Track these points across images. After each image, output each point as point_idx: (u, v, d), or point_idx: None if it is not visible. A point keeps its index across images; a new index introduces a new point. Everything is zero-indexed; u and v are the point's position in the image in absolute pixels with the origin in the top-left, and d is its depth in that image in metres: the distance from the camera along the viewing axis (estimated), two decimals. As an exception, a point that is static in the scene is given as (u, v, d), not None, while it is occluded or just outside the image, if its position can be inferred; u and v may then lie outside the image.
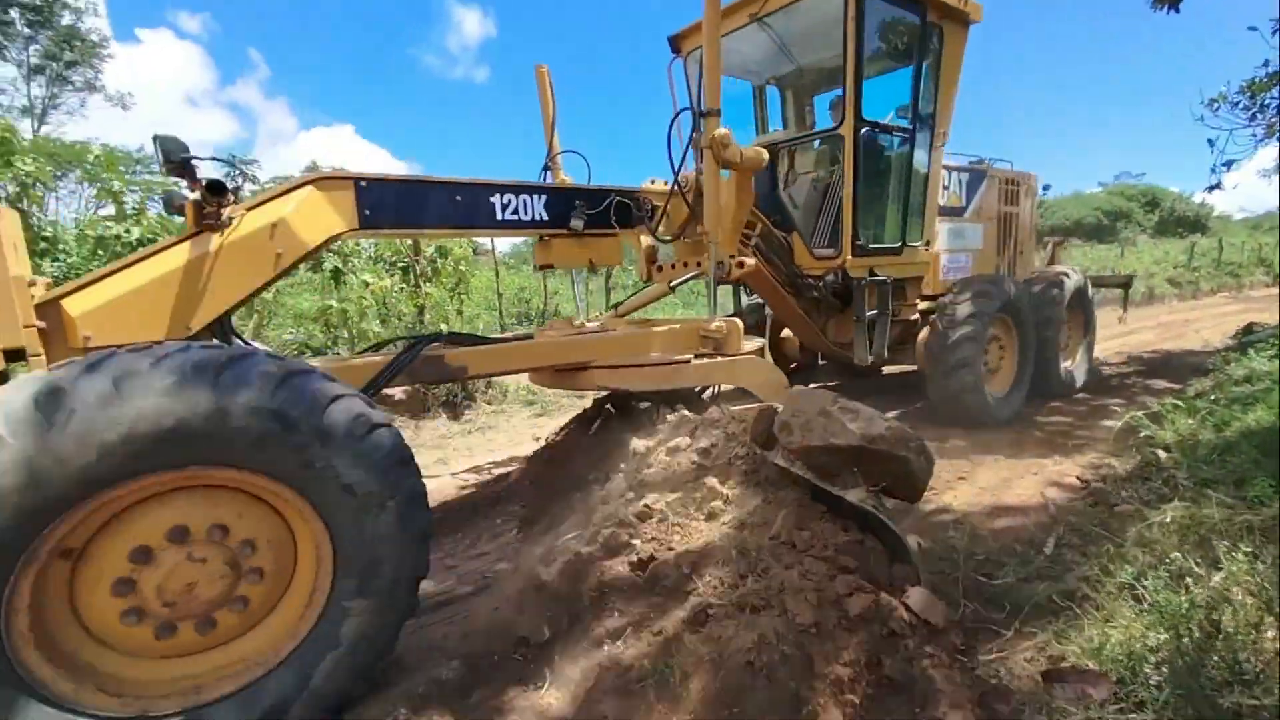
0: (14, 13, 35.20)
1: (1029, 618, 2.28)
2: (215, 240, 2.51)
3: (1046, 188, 7.47)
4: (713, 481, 2.68)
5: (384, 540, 1.96)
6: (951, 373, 5.11)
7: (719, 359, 3.80)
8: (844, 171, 4.68)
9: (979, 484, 4.12)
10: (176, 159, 2.15)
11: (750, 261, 4.40)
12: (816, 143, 5.24)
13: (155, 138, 2.13)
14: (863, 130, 4.65)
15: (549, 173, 4.71)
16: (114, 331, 2.30)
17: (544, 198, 3.62)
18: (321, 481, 1.86)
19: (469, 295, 11.63)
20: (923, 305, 5.76)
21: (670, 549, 2.39)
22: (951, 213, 6.18)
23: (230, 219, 2.54)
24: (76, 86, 38.17)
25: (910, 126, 5.03)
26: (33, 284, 2.23)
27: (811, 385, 7.60)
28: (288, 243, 2.68)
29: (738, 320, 3.92)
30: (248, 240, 2.58)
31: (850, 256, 4.80)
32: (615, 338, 3.72)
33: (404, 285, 8.62)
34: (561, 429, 4.41)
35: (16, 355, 2.16)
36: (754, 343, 4.21)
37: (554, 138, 4.73)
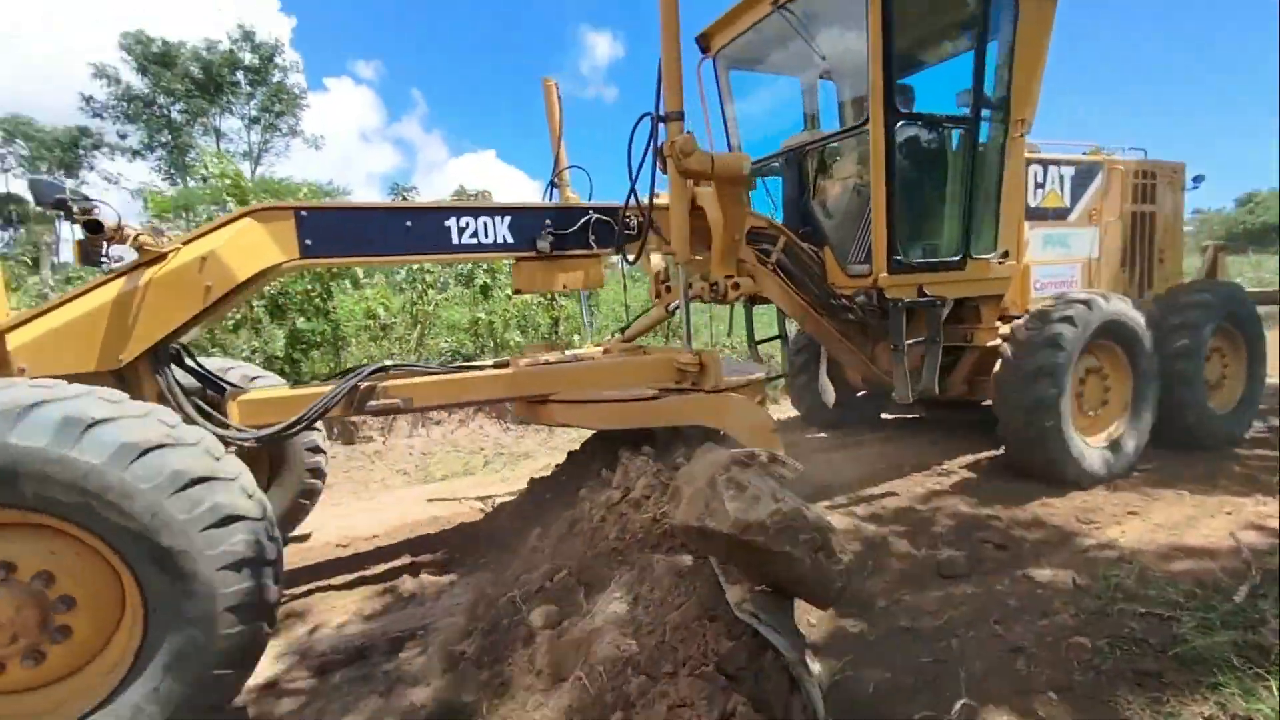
0: (240, 74, 42.74)
1: (1207, 670, 2.17)
2: (146, 274, 2.67)
3: (1198, 180, 5.95)
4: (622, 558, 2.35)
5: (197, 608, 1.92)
6: (1026, 415, 4.20)
7: (691, 395, 3.40)
8: (873, 174, 4.01)
9: (1154, 520, 3.78)
10: (49, 200, 2.30)
11: (747, 281, 3.95)
12: (851, 142, 4.55)
13: (30, 182, 2.30)
14: (898, 124, 3.97)
15: (555, 189, 4.60)
16: (48, 363, 2.50)
17: (508, 219, 3.47)
18: (118, 533, 1.85)
19: (598, 308, 12.06)
20: (1005, 329, 4.82)
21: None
22: (1051, 216, 5.14)
23: (165, 253, 2.70)
24: (282, 133, 45.51)
25: (971, 115, 4.22)
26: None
27: (885, 416, 6.76)
28: (218, 275, 2.79)
29: (716, 351, 3.51)
30: (176, 274, 2.71)
31: (885, 273, 4.11)
32: (574, 369, 3.47)
33: (542, 299, 9.17)
34: (558, 466, 4.23)
35: None
36: (745, 375, 3.74)
37: (561, 152, 4.61)
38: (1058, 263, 5.17)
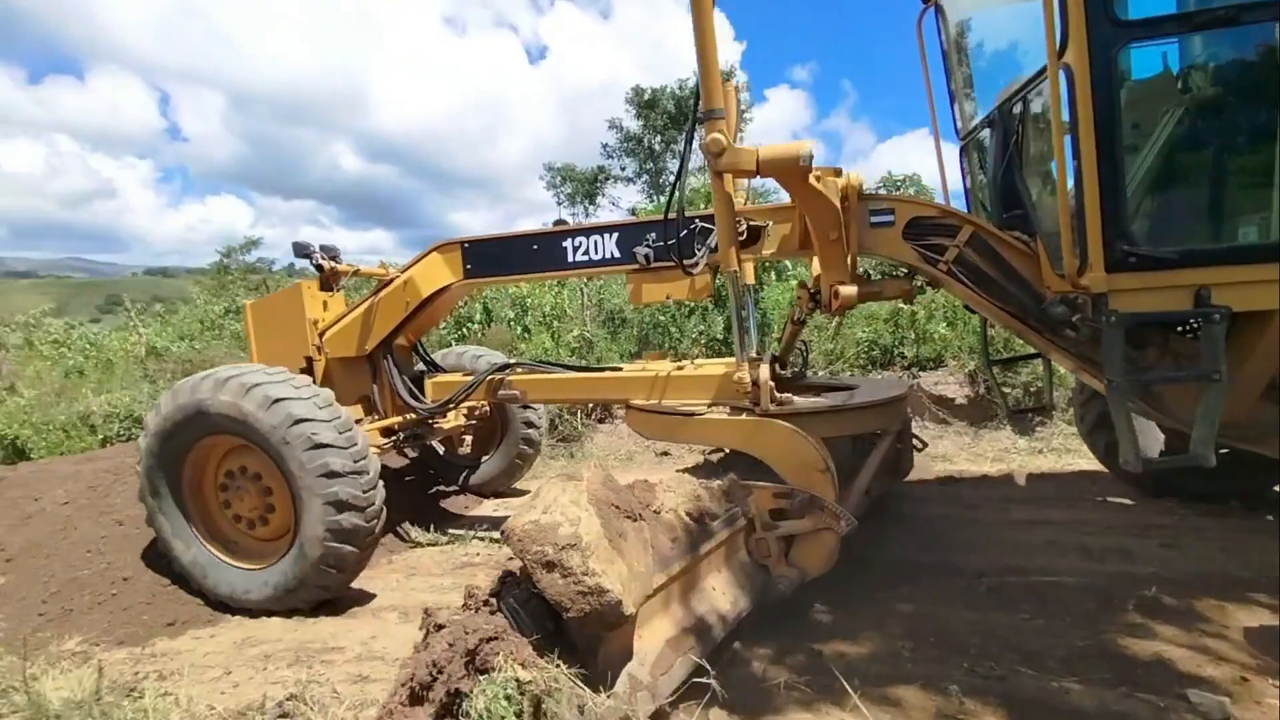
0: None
1: None
2: (380, 295, 4.13)
3: None
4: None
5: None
6: None
7: (730, 416, 3.12)
8: (1076, 123, 2.65)
9: None
10: (300, 253, 3.88)
11: (850, 291, 3.20)
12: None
13: (293, 244, 3.90)
14: (1116, 46, 2.53)
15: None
16: (335, 349, 4.21)
17: (615, 235, 3.83)
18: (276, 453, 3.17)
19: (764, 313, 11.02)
20: None
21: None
22: None
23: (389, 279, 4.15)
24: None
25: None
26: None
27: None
28: (411, 294, 4.09)
29: (766, 368, 3.05)
30: (390, 294, 4.13)
31: (1102, 271, 2.70)
32: (639, 377, 3.60)
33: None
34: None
35: (310, 361, 4.24)
36: (804, 401, 3.10)
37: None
38: None
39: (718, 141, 2.90)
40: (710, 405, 3.30)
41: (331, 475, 3.12)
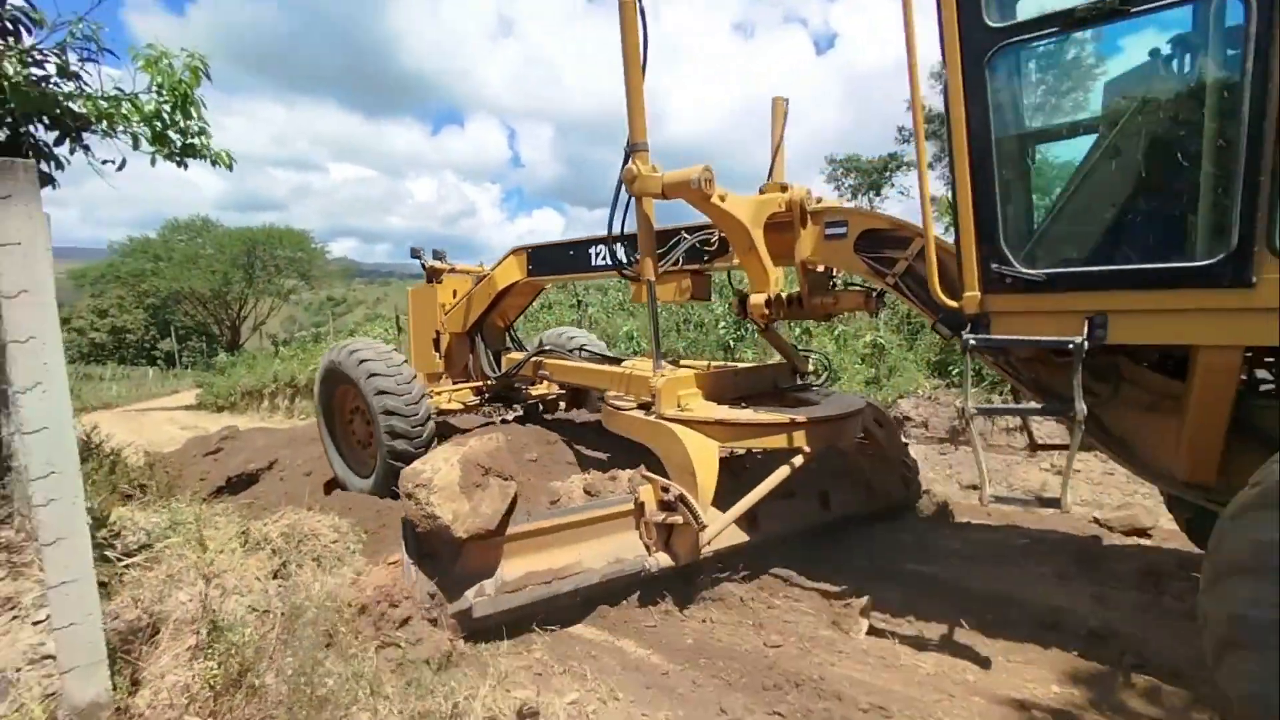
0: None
1: None
2: (475, 288, 5.38)
3: None
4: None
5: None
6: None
7: (641, 416, 3.45)
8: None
9: None
10: (414, 255, 5.24)
11: (756, 300, 3.31)
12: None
13: (410, 248, 5.24)
14: (988, 53, 2.14)
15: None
16: (449, 327, 5.63)
17: (621, 246, 4.36)
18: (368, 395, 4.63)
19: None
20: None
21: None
22: None
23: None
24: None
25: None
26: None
27: None
28: (490, 289, 5.24)
29: (677, 376, 3.32)
30: (480, 287, 5.33)
31: (977, 292, 2.40)
32: (616, 373, 4.23)
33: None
34: None
35: (438, 335, 5.75)
36: (703, 410, 3.20)
37: (779, 166, 4.53)
38: None
39: (630, 171, 3.33)
40: (637, 404, 3.69)
41: (388, 413, 4.45)
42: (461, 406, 5.10)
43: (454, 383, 5.49)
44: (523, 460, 4.23)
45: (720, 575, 3.45)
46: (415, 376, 4.71)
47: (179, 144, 5.41)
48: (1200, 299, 2.09)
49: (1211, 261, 2.05)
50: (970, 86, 2.28)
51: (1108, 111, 2.42)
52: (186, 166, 5.45)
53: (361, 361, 4.58)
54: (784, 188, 3.40)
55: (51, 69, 4.80)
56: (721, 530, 3.18)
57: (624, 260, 3.96)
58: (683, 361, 4.96)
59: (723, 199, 3.20)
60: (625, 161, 3.44)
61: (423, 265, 5.61)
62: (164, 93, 5.14)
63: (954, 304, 2.55)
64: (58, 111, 4.85)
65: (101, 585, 3.03)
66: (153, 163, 5.41)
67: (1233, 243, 1.99)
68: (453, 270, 5.64)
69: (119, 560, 3.16)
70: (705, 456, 3.19)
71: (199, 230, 31.50)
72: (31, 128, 5.29)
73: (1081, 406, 2.22)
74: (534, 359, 4.98)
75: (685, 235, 3.92)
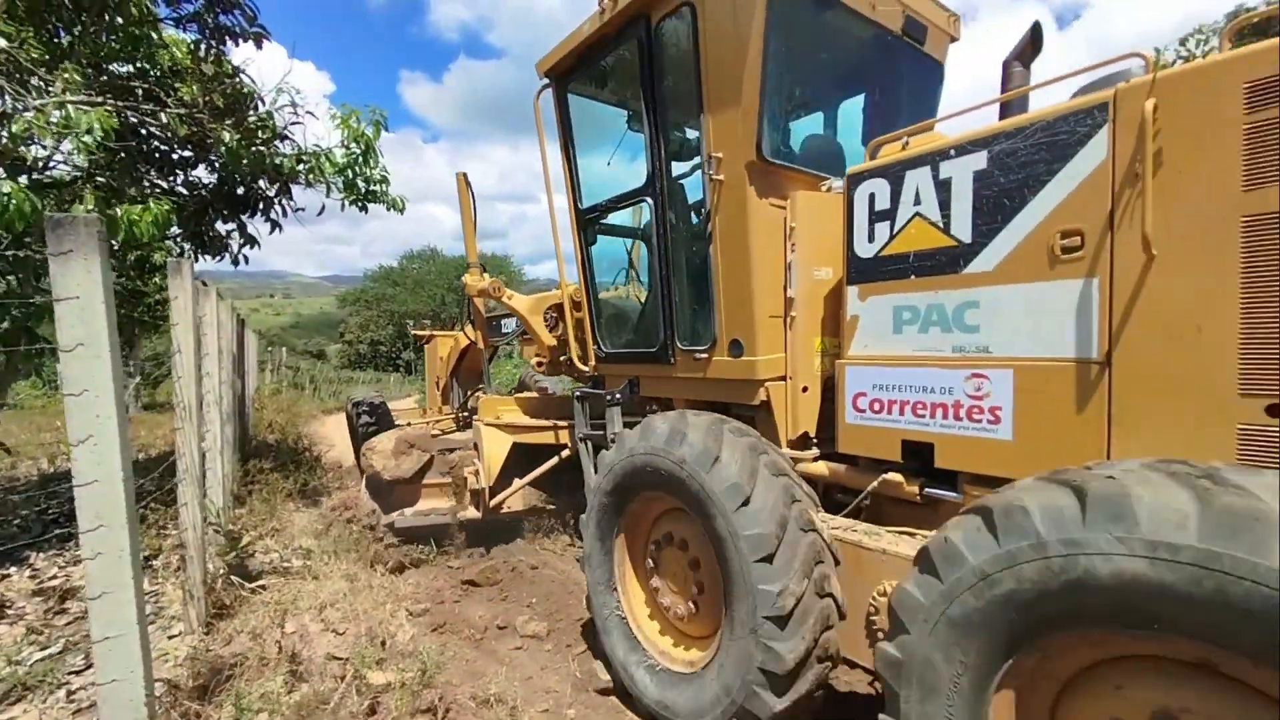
0: None
1: None
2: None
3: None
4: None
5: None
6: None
7: (477, 421, 4.99)
8: None
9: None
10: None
11: (536, 357, 5.23)
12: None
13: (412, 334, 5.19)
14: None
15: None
16: (441, 374, 5.82)
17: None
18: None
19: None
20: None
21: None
22: (916, 269, 2.35)
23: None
24: None
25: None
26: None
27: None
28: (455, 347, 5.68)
29: (490, 398, 5.27)
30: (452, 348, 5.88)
31: (593, 360, 3.98)
32: (481, 401, 5.37)
33: None
34: None
35: None
36: (508, 418, 5.05)
37: (472, 243, 5.28)
38: (927, 362, 2.28)
39: (465, 282, 5.22)
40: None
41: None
42: (441, 431, 5.64)
43: (442, 413, 6.74)
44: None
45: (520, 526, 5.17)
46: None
47: (364, 190, 5.98)
48: (661, 371, 3.41)
49: (658, 349, 3.36)
50: (581, 227, 3.76)
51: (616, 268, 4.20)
52: (367, 210, 6.02)
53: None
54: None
55: (269, 133, 5.55)
56: (506, 497, 4.79)
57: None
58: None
59: (510, 298, 4.96)
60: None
61: (413, 336, 7.29)
62: (351, 145, 5.71)
63: (583, 366, 4.08)
64: (274, 167, 5.59)
65: (222, 607, 3.23)
66: (342, 208, 6.06)
67: (663, 340, 3.32)
68: (433, 336, 7.13)
69: (243, 585, 3.36)
70: (496, 446, 4.72)
71: (428, 259, 36.94)
72: (259, 184, 6.22)
73: (613, 430, 3.54)
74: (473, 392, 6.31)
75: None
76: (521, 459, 4.74)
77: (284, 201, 6.15)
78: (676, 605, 2.76)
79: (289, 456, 7.11)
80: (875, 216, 2.43)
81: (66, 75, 4.10)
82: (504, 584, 4.28)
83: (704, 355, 3.08)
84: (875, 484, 2.44)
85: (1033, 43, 2.61)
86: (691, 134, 3.27)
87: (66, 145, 4.55)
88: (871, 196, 2.43)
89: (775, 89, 2.83)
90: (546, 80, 3.74)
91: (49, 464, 7.04)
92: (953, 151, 2.18)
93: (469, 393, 6.53)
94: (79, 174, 5.04)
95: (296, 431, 9.54)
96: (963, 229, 2.16)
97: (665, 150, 3.15)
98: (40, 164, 4.93)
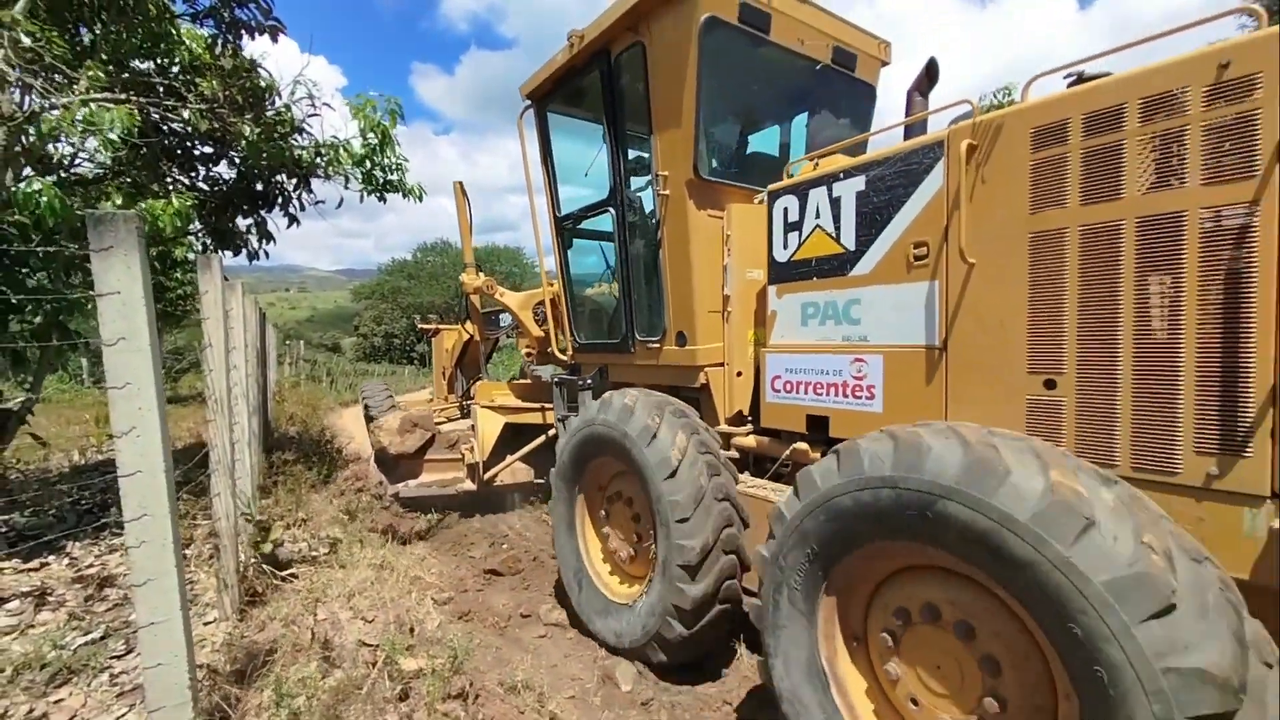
0: None
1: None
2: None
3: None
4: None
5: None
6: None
7: (475, 404, 5.68)
8: None
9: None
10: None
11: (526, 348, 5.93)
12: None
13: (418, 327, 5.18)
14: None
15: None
16: (447, 365, 6.22)
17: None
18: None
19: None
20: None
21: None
22: (816, 272, 2.81)
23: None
24: None
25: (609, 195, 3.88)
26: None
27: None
28: (458, 340, 6.07)
29: (486, 383, 6.01)
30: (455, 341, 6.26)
31: (572, 350, 4.59)
32: (479, 386, 6.10)
33: None
34: None
35: None
36: (501, 400, 5.70)
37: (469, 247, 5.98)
38: (823, 349, 2.75)
39: (462, 280, 5.80)
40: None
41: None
42: (446, 419, 6.24)
43: (448, 401, 6.99)
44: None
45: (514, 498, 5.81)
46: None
47: (381, 180, 6.01)
48: (624, 359, 3.97)
49: (620, 340, 3.92)
50: (561, 256, 4.40)
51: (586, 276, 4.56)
52: (385, 200, 6.04)
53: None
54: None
55: (287, 127, 5.58)
56: (498, 471, 5.41)
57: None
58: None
59: (502, 294, 5.63)
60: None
61: (420, 330, 7.85)
62: (368, 135, 5.73)
63: (563, 355, 4.65)
64: (293, 160, 5.61)
65: (254, 595, 3.30)
66: (361, 199, 6.09)
67: (625, 332, 3.86)
68: (439, 329, 7.42)
69: (274, 574, 3.43)
70: (489, 425, 5.36)
71: (441, 252, 37.03)
72: (279, 178, 6.25)
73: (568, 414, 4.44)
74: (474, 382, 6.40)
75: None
76: (513, 437, 5.39)
77: (303, 195, 6.21)
78: (621, 549, 3.29)
79: (311, 448, 7.21)
80: (788, 227, 2.86)
81: (91, 73, 4.15)
82: (525, 573, 4.33)
83: (656, 345, 3.62)
84: (788, 452, 2.93)
85: (928, 76, 3.01)
86: (645, 153, 3.61)
87: (92, 143, 4.62)
88: (785, 210, 2.87)
89: (711, 116, 3.32)
90: (528, 101, 4.29)
91: (80, 456, 7.19)
92: (842, 175, 2.60)
93: (470, 382, 6.91)
94: (104, 171, 5.12)
95: (320, 424, 9.66)
96: (849, 239, 2.60)
97: (624, 166, 3.64)
98: (66, 161, 5.01)
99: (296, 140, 5.72)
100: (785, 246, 2.86)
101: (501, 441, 5.33)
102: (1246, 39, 1.66)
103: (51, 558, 4.14)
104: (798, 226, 2.80)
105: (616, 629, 3.12)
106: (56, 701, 2.56)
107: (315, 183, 6.02)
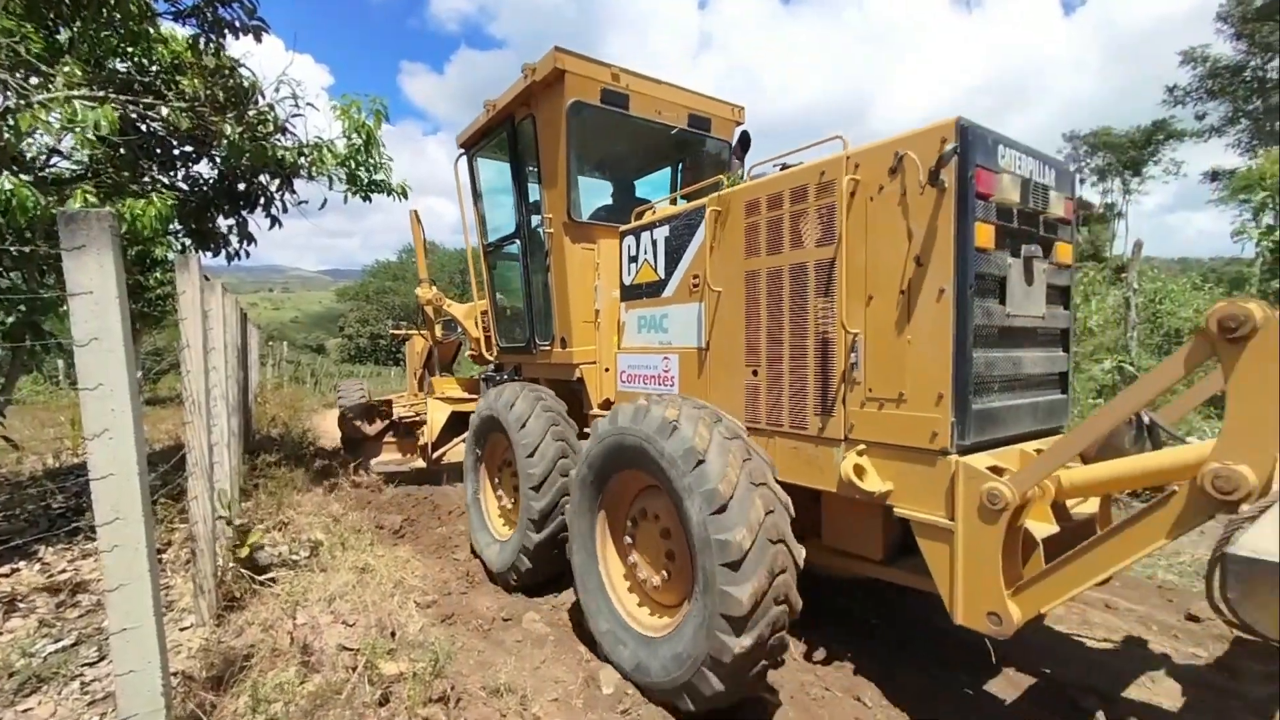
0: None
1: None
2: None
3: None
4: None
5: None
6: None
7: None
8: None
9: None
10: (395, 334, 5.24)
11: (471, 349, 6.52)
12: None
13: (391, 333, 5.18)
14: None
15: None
16: (417, 366, 6.42)
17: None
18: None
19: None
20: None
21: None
22: (645, 293, 3.73)
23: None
24: None
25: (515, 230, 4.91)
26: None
27: None
28: (425, 344, 5.79)
29: (439, 379, 7.18)
30: (422, 346, 6.42)
31: (496, 352, 5.68)
32: (434, 382, 7.29)
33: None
34: None
35: None
36: (448, 393, 6.76)
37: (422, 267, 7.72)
38: (648, 351, 3.74)
39: (416, 292, 7.39)
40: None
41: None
42: (415, 414, 7.12)
43: (418, 399, 7.56)
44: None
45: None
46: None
47: (366, 180, 5.96)
48: (529, 359, 4.89)
49: (525, 344, 4.84)
50: (489, 275, 5.41)
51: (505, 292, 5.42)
52: (370, 200, 6.00)
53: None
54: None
55: (270, 126, 5.52)
56: (445, 451, 6.60)
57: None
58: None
59: (450, 306, 7.17)
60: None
61: (393, 334, 8.95)
62: (352, 135, 5.68)
63: (490, 357, 5.75)
64: (276, 160, 5.54)
65: (232, 600, 3.25)
66: (345, 200, 6.03)
67: (528, 338, 4.76)
68: (409, 335, 8.44)
69: (252, 578, 3.38)
70: (437, 414, 6.46)
71: (428, 253, 37.02)
72: (261, 178, 6.17)
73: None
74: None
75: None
76: (458, 424, 6.33)
77: (285, 196, 6.14)
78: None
79: (293, 450, 7.13)
80: (631, 259, 3.77)
81: (67, 70, 4.08)
82: (510, 575, 4.31)
83: (548, 348, 4.53)
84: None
85: (742, 147, 4.41)
86: (537, 198, 4.48)
87: (68, 141, 4.54)
88: (629, 246, 3.77)
89: (581, 172, 4.32)
90: (462, 149, 5.24)
91: (54, 459, 7.05)
92: (659, 223, 3.52)
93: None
94: (81, 170, 5.03)
95: (301, 426, 9.55)
96: (661, 270, 3.53)
97: (526, 207, 4.57)
98: (39, 160, 4.92)
99: (280, 140, 5.66)
100: (629, 274, 3.78)
101: (448, 427, 6.43)
102: (833, 158, 2.60)
103: (23, 563, 4.05)
104: (636, 259, 3.71)
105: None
106: (25, 711, 2.50)
107: (299, 183, 5.96)
